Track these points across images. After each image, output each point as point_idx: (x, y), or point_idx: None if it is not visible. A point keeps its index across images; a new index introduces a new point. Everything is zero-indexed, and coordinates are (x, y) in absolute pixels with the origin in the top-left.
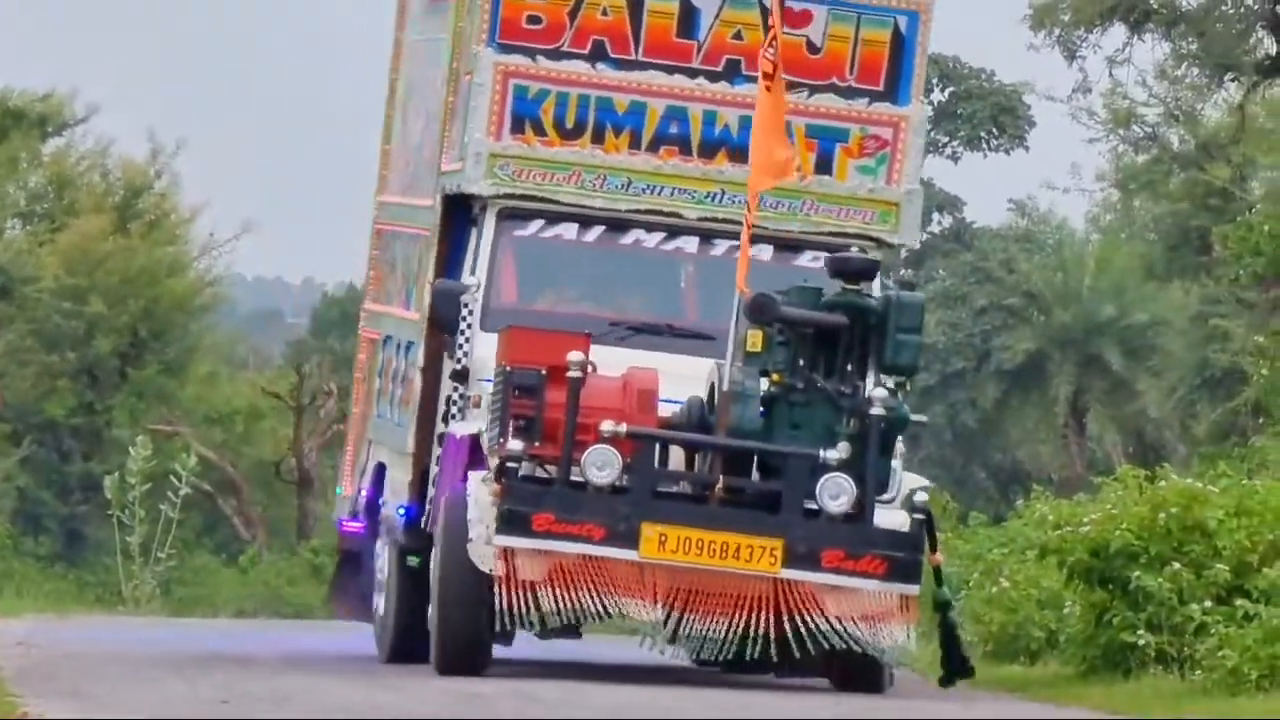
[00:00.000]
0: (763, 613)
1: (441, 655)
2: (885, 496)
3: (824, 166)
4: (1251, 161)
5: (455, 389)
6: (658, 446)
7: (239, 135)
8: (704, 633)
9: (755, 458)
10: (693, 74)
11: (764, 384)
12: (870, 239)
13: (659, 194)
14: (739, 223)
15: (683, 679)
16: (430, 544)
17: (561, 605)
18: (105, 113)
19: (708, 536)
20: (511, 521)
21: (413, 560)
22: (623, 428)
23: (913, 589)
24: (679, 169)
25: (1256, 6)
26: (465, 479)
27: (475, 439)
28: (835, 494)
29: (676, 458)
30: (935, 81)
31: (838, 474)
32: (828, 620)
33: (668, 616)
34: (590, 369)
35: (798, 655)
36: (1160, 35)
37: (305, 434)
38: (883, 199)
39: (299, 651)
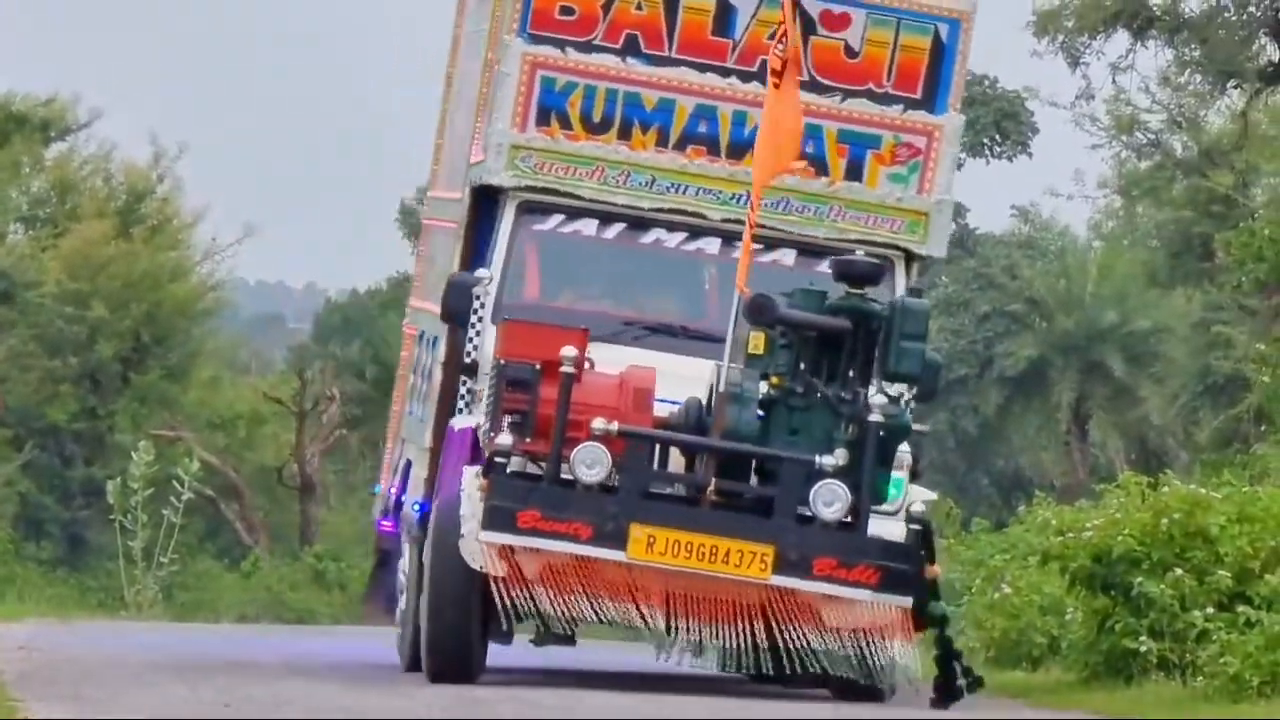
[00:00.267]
0: (756, 621)
1: (430, 655)
2: (889, 508)
3: (854, 172)
4: (1254, 168)
5: (463, 383)
6: (653, 447)
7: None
8: (699, 640)
9: (750, 462)
10: (725, 73)
11: (763, 387)
12: (897, 248)
13: (683, 193)
14: (763, 226)
15: (683, 687)
16: None
17: (555, 607)
18: (107, 115)
19: (697, 540)
20: (496, 518)
21: None
22: (614, 426)
23: (906, 601)
24: (705, 169)
25: (1259, 13)
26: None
27: (476, 433)
28: (829, 501)
29: (677, 460)
30: None
31: (833, 481)
32: (823, 632)
33: (665, 622)
34: (589, 365)
35: (790, 670)
36: (1163, 42)
37: (307, 439)
38: (912, 208)
39: (301, 656)
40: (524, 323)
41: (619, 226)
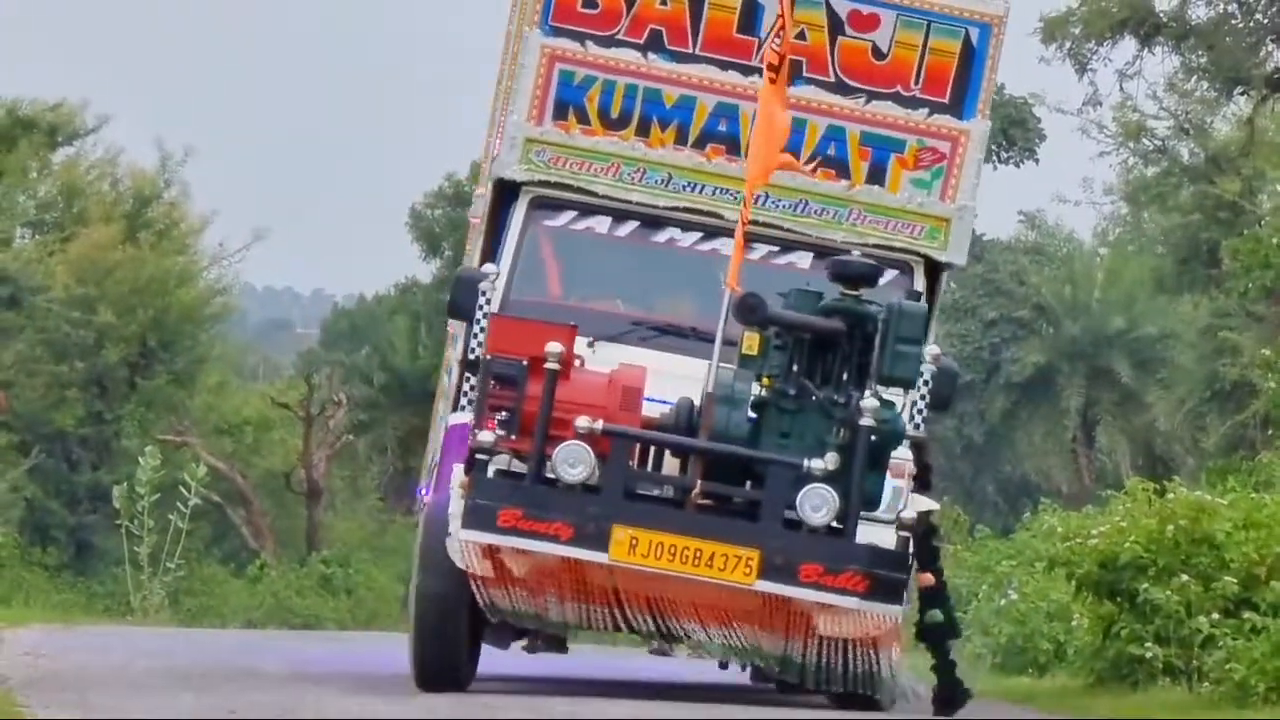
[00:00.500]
0: (745, 626)
1: (416, 658)
2: (884, 515)
3: (876, 176)
4: (1261, 175)
5: (466, 379)
6: (639, 447)
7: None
8: (690, 643)
9: (740, 464)
10: (746, 71)
11: (756, 388)
12: (916, 254)
13: (699, 192)
14: (779, 227)
15: (684, 693)
16: None
17: (538, 608)
18: (114, 120)
19: (681, 542)
20: (477, 516)
21: None
22: (599, 424)
23: (894, 609)
24: (723, 168)
25: (1266, 20)
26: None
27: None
28: (817, 506)
29: (672, 462)
30: None
31: (820, 485)
32: (815, 640)
33: (649, 626)
34: (578, 362)
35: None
36: (1170, 49)
37: (314, 445)
38: (934, 214)
39: (307, 663)
40: (512, 318)
41: (632, 224)
